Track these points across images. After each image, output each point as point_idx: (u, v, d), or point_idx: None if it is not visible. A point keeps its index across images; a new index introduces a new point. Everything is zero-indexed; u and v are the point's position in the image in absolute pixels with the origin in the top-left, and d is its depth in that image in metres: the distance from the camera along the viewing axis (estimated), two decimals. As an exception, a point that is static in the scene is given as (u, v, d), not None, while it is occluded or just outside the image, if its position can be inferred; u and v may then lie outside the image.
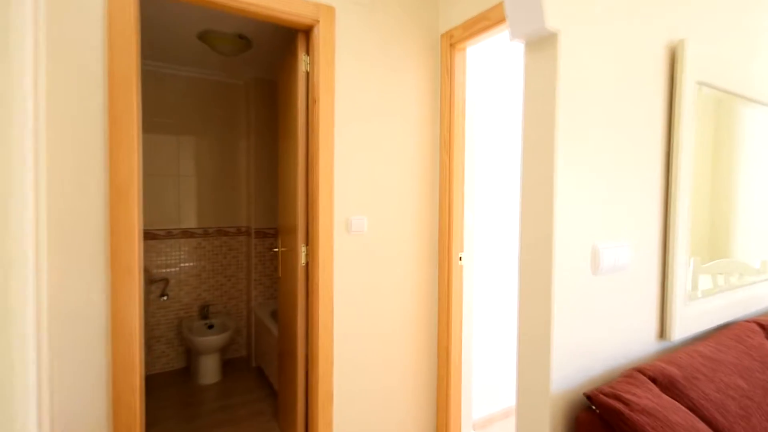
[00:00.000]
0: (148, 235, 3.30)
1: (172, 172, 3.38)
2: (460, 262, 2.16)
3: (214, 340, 3.00)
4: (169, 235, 3.39)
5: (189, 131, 3.43)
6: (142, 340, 1.53)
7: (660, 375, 1.05)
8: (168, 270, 3.38)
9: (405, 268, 2.13)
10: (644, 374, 1.05)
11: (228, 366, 3.45)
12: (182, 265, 3.44)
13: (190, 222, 3.47)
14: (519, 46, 2.58)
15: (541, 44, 1.04)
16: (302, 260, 2.00)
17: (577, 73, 1.04)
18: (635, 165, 1.17)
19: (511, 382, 2.61)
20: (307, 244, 2.00)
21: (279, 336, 2.57)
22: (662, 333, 1.26)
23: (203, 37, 2.75)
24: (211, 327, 3.31)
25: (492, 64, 2.43)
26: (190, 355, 3.25)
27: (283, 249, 2.37)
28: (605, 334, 1.12)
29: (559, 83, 1.00)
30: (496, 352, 2.53)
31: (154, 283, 3.33)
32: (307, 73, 1.99)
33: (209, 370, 3.15)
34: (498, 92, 2.47)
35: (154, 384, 3.12)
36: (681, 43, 1.24)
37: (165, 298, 3.28)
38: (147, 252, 3.29)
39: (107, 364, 1.43)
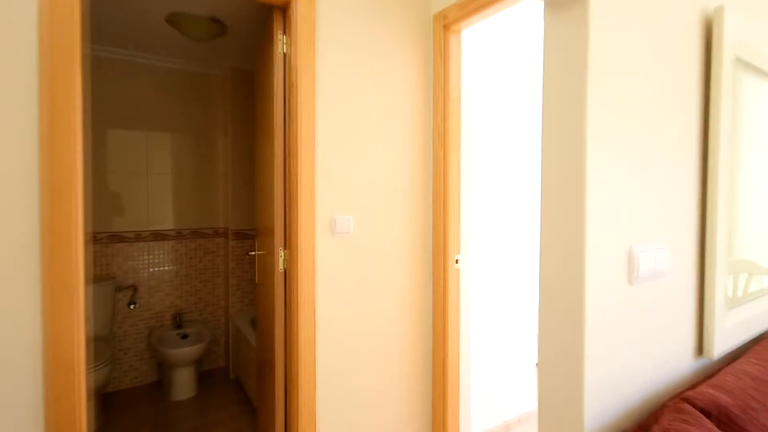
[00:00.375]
0: (115, 238, 3.03)
1: (142, 170, 3.12)
2: (456, 265, 1.97)
3: (187, 352, 2.75)
4: (139, 237, 3.13)
5: (161, 125, 3.17)
6: (86, 370, 1.29)
7: (711, 405, 0.87)
8: (137, 276, 3.11)
9: (396, 273, 1.92)
10: (693, 405, 0.87)
11: (204, 379, 3.20)
12: (153, 270, 3.17)
13: (163, 223, 3.21)
14: (520, 24, 2.40)
15: (567, 1, 0.85)
16: (280, 265, 1.78)
17: (606, 44, 0.84)
18: (669, 151, 0.98)
19: (511, 394, 2.44)
20: (285, 248, 1.78)
21: (257, 348, 2.35)
22: (700, 349, 1.08)
23: (172, 20, 2.50)
24: (185, 337, 3.05)
25: (489, 48, 2.24)
26: (162, 368, 2.99)
27: (260, 252, 2.15)
28: (642, 354, 0.93)
29: (591, 49, 0.81)
30: (495, 362, 2.35)
31: (122, 291, 3.07)
32: (285, 56, 1.78)
33: (183, 385, 2.90)
34: (496, 79, 2.28)
35: (121, 401, 2.85)
36: (718, 12, 1.06)
37: (134, 306, 3.02)
38: (114, 257, 3.03)
39: (42, 401, 1.19)
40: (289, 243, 1.74)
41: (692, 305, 1.06)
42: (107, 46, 2.90)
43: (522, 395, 2.50)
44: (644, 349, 0.93)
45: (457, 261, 1.97)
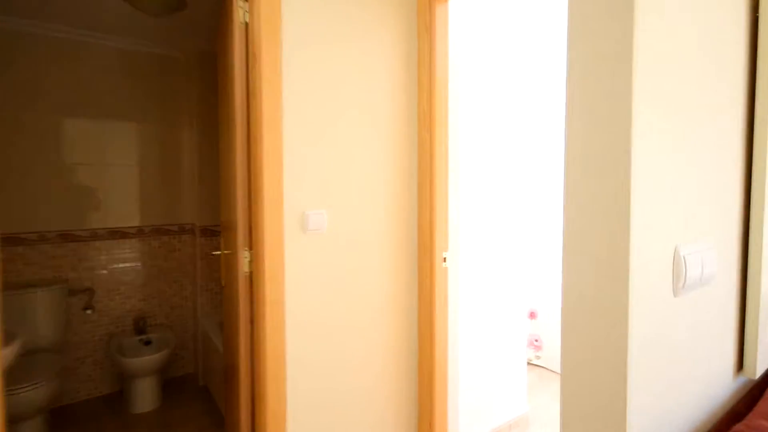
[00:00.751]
0: (67, 237, 2.74)
1: (97, 162, 2.82)
2: (444, 263, 1.77)
3: (147, 360, 2.50)
4: (95, 236, 2.83)
5: (117, 113, 2.87)
6: (2, 404, 1.05)
7: (773, 444, 0.70)
8: (94, 278, 2.83)
9: (377, 274, 1.72)
10: (751, 444, 0.69)
11: (171, 387, 2.95)
12: (112, 270, 2.89)
13: (122, 220, 2.92)
14: None
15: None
16: (245, 268, 1.55)
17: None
18: (713, 132, 0.80)
19: (502, 399, 2.27)
20: (250, 248, 1.55)
21: (223, 356, 2.12)
22: (740, 365, 0.91)
23: (121, -10, 2.21)
24: (147, 343, 2.79)
25: (480, 19, 2.02)
26: (123, 378, 2.73)
27: (226, 252, 1.91)
28: (685, 379, 0.76)
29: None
30: (485, 365, 2.17)
31: (77, 295, 2.78)
32: (246, 25, 1.53)
33: (145, 396, 2.65)
34: (488, 55, 2.06)
35: (77, 414, 2.59)
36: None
37: (90, 311, 2.75)
38: (66, 258, 2.74)
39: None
40: (253, 242, 1.52)
41: (733, 315, 0.89)
42: (50, 23, 2.58)
43: (513, 400, 2.34)
44: (690, 372, 0.76)
45: (445, 259, 1.77)
